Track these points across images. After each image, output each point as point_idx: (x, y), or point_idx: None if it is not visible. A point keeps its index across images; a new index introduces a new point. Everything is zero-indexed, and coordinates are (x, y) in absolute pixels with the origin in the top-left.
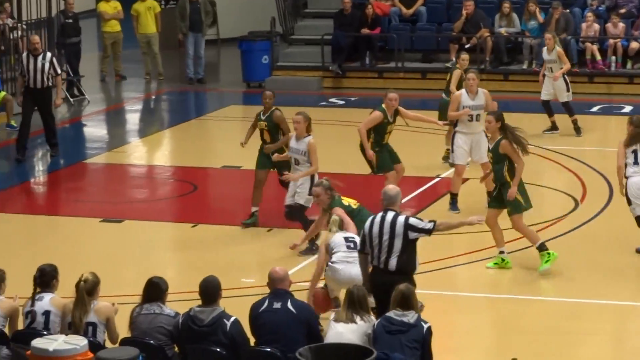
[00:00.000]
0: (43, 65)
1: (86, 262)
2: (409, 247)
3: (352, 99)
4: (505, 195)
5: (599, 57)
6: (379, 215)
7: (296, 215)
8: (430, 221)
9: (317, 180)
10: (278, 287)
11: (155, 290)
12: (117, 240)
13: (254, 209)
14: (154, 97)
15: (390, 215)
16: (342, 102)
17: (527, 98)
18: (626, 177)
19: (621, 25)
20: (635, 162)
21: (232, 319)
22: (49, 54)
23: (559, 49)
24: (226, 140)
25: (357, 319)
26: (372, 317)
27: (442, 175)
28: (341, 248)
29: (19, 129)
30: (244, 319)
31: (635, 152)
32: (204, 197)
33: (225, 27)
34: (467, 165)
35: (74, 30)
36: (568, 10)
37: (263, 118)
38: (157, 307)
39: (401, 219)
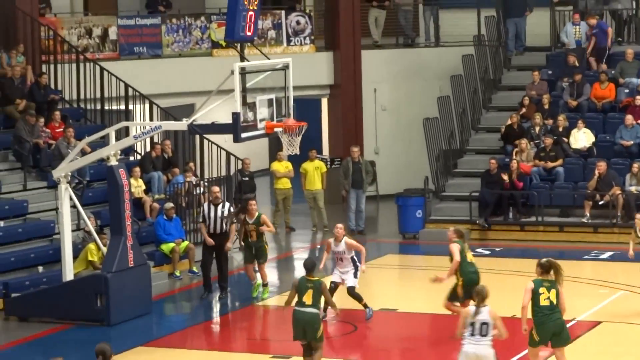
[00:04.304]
0: (222, 213)
1: None
2: None
3: (497, 249)
4: None
5: None
6: None
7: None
8: None
9: None
10: None
11: None
12: None
13: None
14: (319, 246)
15: None
16: (487, 252)
17: None
18: None
19: None
20: None
21: None
22: (227, 204)
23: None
24: (383, 285)
25: None
26: None
27: (577, 319)
28: None
29: (202, 270)
30: None
31: None
32: (364, 337)
33: (383, 184)
34: None
35: (249, 187)
36: None
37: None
38: None
39: None
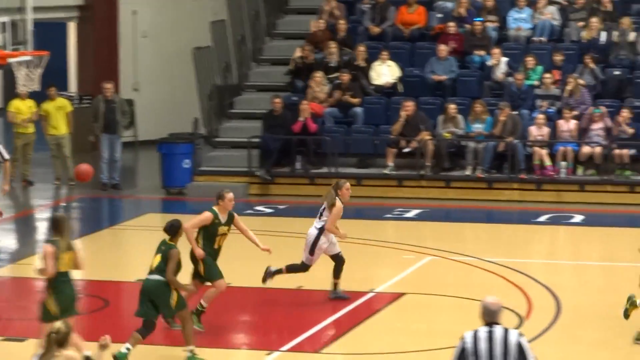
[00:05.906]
0: None
1: None
2: None
3: (281, 207)
4: None
5: (548, 163)
6: (483, 330)
7: None
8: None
9: None
10: None
11: None
12: None
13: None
14: (64, 204)
15: (499, 331)
16: (270, 211)
17: (470, 206)
18: None
19: (573, 122)
20: None
21: None
22: None
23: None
24: (142, 251)
25: None
26: None
27: (375, 290)
28: None
29: None
30: None
31: None
32: (117, 314)
33: (143, 128)
34: None
35: None
36: (516, 112)
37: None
38: None
39: (513, 338)
